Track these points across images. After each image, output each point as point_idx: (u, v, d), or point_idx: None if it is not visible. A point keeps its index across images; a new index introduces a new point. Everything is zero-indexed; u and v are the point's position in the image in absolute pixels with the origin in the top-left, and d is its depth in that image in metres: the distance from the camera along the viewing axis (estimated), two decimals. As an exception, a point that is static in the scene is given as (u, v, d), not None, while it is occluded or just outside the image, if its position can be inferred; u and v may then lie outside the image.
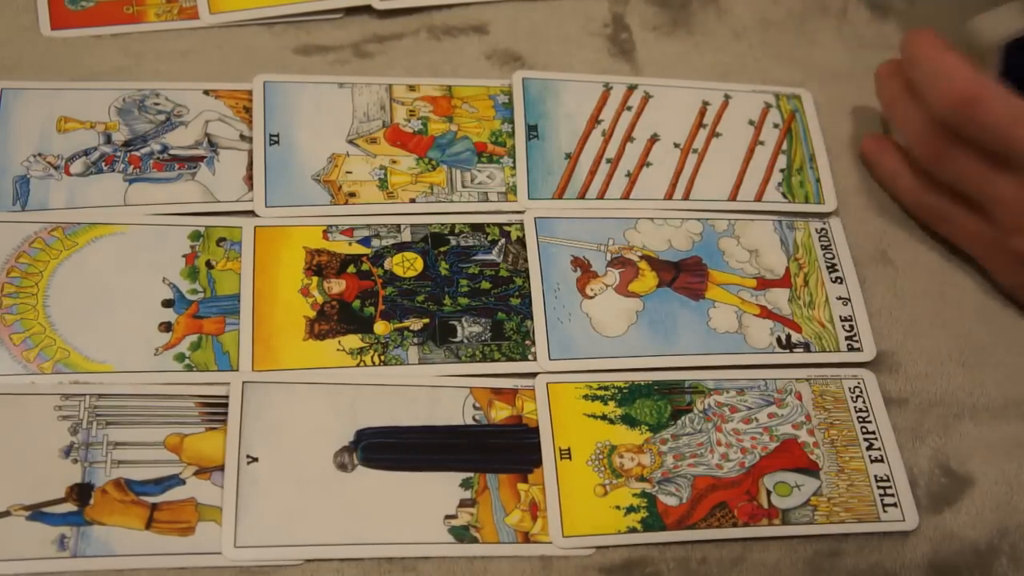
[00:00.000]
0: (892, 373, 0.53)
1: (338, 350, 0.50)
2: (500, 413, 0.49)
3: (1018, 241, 0.51)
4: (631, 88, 0.59)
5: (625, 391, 0.50)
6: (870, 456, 0.50)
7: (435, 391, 0.49)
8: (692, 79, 0.60)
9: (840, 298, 0.54)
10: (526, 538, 0.47)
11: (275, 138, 0.55)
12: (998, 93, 0.49)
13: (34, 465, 0.46)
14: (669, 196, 0.56)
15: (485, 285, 0.52)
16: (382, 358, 0.50)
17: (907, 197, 0.56)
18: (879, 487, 0.49)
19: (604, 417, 0.50)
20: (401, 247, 0.53)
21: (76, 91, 0.55)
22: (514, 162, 0.56)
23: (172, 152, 0.54)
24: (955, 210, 0.54)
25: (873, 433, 0.50)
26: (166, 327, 0.50)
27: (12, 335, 0.48)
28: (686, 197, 0.56)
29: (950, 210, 0.54)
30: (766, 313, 0.53)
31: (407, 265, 0.53)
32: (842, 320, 0.53)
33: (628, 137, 0.57)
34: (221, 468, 0.46)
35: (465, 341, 0.51)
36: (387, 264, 0.53)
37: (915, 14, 0.64)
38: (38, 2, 0.58)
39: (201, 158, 0.54)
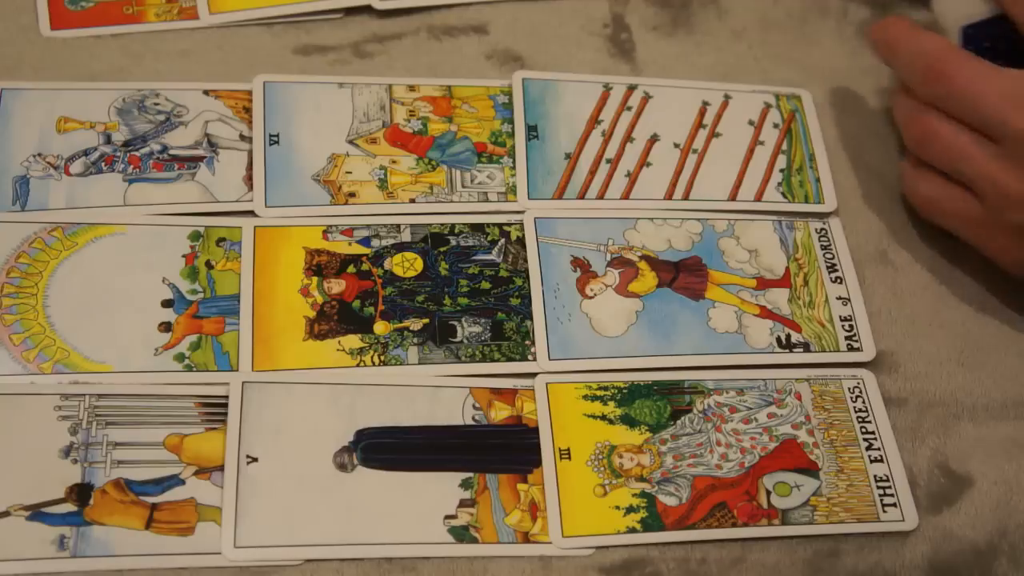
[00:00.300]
0: (892, 373, 0.53)
1: (338, 350, 0.50)
2: (500, 413, 0.49)
3: (1010, 215, 0.50)
4: (631, 88, 0.59)
5: (625, 391, 0.50)
6: (870, 456, 0.50)
7: (435, 391, 0.49)
8: (692, 79, 0.60)
9: (840, 298, 0.54)
10: (526, 538, 0.47)
11: (275, 138, 0.55)
12: (965, 59, 0.50)
13: (34, 465, 0.46)
14: (669, 196, 0.56)
15: (485, 285, 0.53)
16: (382, 358, 0.50)
17: (905, 189, 0.56)
18: (879, 487, 0.49)
19: (604, 417, 0.50)
20: (401, 247, 0.53)
21: (76, 91, 0.55)
22: (514, 162, 0.56)
23: (172, 152, 0.54)
24: (947, 193, 0.53)
25: (873, 433, 0.50)
26: (166, 327, 0.50)
27: (12, 335, 0.48)
28: (686, 197, 0.56)
29: (942, 194, 0.53)
30: (766, 313, 0.53)
31: (407, 265, 0.53)
32: (842, 320, 0.53)
33: (628, 137, 0.57)
34: (221, 468, 0.47)
35: (465, 341, 0.51)
36: (387, 264, 0.53)
37: (915, 15, 0.63)
38: (38, 2, 0.58)
39: (201, 158, 0.54)
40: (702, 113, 0.59)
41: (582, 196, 0.55)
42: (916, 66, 0.52)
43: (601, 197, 0.55)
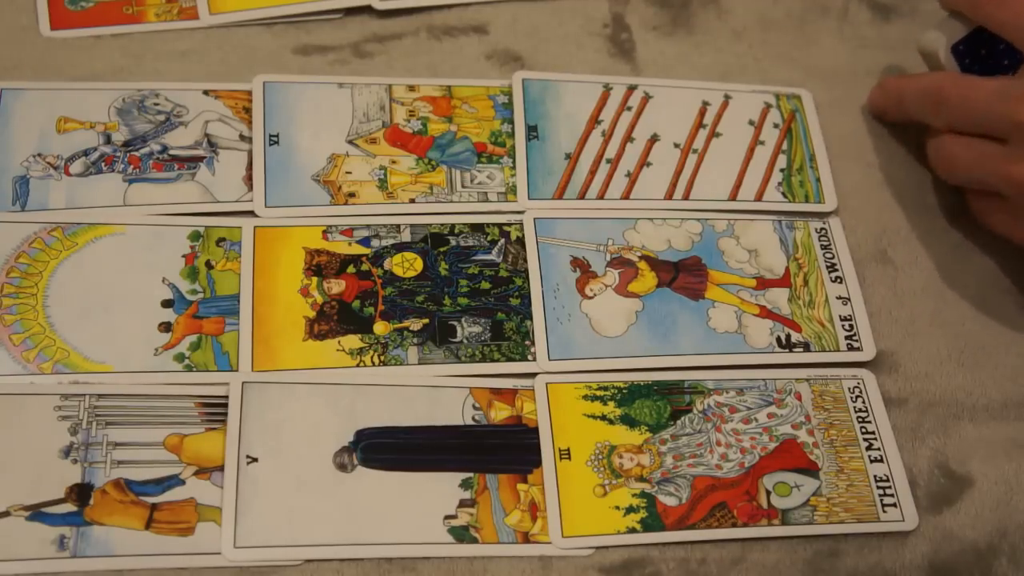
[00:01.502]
0: (892, 373, 0.53)
1: (338, 350, 0.50)
2: (500, 413, 0.49)
3: None
4: (631, 88, 0.59)
5: (625, 391, 0.50)
6: (870, 456, 0.50)
7: (435, 391, 0.49)
8: (692, 79, 0.60)
9: (840, 298, 0.54)
10: (526, 538, 0.47)
11: (275, 138, 0.55)
12: (955, 77, 0.54)
13: (34, 465, 0.46)
14: (669, 196, 0.56)
15: (485, 285, 0.53)
16: (382, 358, 0.50)
17: (976, 217, 0.57)
18: (879, 487, 0.49)
19: (604, 417, 0.50)
20: (401, 247, 0.53)
21: (76, 91, 0.55)
22: (514, 162, 0.56)
23: (172, 152, 0.54)
24: (994, 205, 0.54)
25: (873, 433, 0.50)
26: (166, 327, 0.50)
27: (12, 335, 0.48)
28: (686, 197, 0.56)
29: (993, 208, 0.55)
30: (766, 313, 0.53)
31: (407, 265, 0.53)
32: (842, 320, 0.53)
33: (628, 137, 0.57)
34: (221, 468, 0.47)
35: (465, 341, 0.51)
36: (387, 264, 0.53)
37: (916, 15, 0.64)
38: (38, 2, 0.58)
39: (201, 158, 0.54)
40: (702, 113, 0.59)
41: (582, 196, 0.55)
42: (922, 103, 0.54)
43: (601, 197, 0.55)
